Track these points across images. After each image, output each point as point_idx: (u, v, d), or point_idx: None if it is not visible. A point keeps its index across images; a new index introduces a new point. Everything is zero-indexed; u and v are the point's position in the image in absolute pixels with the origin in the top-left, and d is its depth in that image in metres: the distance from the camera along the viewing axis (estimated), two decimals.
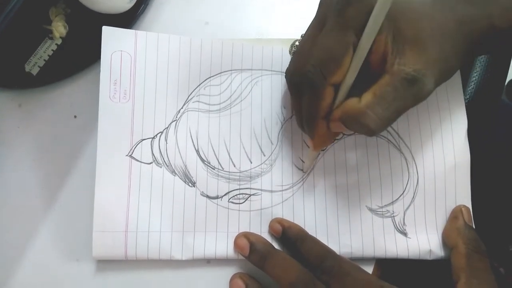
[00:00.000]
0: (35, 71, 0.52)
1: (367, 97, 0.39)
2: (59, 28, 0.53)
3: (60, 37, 0.53)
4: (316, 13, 0.43)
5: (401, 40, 0.39)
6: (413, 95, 0.39)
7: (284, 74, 0.46)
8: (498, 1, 0.41)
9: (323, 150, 0.49)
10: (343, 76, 0.40)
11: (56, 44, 0.53)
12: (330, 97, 0.41)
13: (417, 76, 0.38)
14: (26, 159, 0.51)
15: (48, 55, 0.52)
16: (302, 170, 0.49)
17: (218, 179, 0.48)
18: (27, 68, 0.52)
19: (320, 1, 0.43)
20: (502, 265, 0.47)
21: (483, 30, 0.41)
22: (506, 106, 0.49)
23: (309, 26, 0.43)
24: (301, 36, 0.44)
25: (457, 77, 0.50)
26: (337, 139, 0.49)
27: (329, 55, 0.39)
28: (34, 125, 0.51)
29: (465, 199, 0.49)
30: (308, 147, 0.48)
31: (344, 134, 0.50)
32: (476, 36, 0.41)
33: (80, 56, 0.52)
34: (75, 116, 0.52)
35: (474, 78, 0.53)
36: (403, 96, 0.39)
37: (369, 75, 0.41)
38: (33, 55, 0.52)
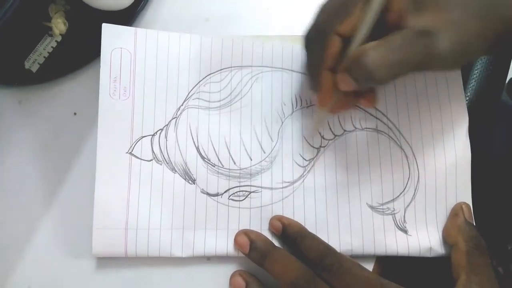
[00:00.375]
0: (34, 68, 0.52)
1: (373, 42, 0.39)
2: (59, 25, 0.53)
3: (60, 34, 0.53)
4: None
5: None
6: (423, 47, 0.38)
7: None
8: None
9: (322, 147, 0.49)
10: (351, 26, 0.40)
11: (56, 41, 0.53)
12: (336, 46, 0.41)
13: (430, 29, 0.37)
14: (25, 156, 0.50)
15: (48, 52, 0.52)
16: (303, 158, 0.49)
17: (218, 176, 0.48)
18: (27, 65, 0.52)
19: None
20: (500, 264, 0.47)
21: (499, 31, 0.40)
22: (506, 104, 0.49)
23: None
24: None
25: (457, 74, 0.50)
26: (338, 135, 0.49)
27: (339, 3, 0.39)
28: (33, 122, 0.51)
29: (466, 197, 0.48)
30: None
31: (344, 129, 0.49)
32: (500, 21, 0.39)
33: (80, 53, 0.52)
34: (74, 113, 0.52)
35: (475, 76, 0.52)
36: (412, 46, 0.38)
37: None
38: (32, 52, 0.52)
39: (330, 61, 0.42)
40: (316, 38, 0.41)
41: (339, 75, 0.41)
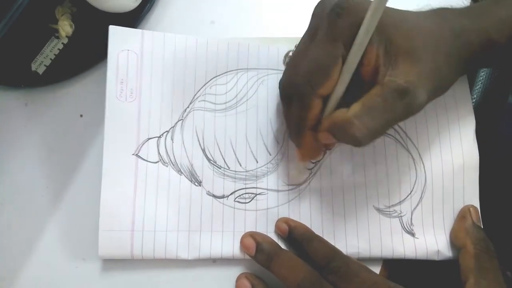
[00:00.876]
0: (41, 70, 0.52)
1: (355, 107, 0.39)
2: (65, 27, 0.53)
3: (66, 36, 0.53)
4: (309, 25, 0.43)
5: (394, 52, 0.39)
6: (403, 107, 0.39)
7: (278, 87, 0.46)
8: (494, 14, 0.42)
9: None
10: (331, 88, 0.40)
11: (62, 43, 0.53)
12: (318, 108, 0.41)
13: (409, 87, 0.38)
14: (32, 158, 0.51)
15: (54, 54, 0.53)
16: (309, 161, 0.49)
17: (224, 178, 0.48)
18: (34, 67, 0.52)
19: (313, 13, 0.43)
20: (508, 268, 0.46)
21: (480, 43, 0.41)
22: None
23: (302, 37, 0.43)
24: (295, 46, 0.44)
25: (463, 77, 0.50)
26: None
27: (317, 66, 0.39)
28: (40, 124, 0.52)
29: (473, 199, 0.48)
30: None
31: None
32: (472, 49, 0.41)
33: (86, 55, 0.52)
34: (81, 115, 0.52)
35: (481, 78, 0.52)
36: (393, 108, 0.39)
37: (361, 88, 0.40)
38: (39, 54, 0.52)
39: (312, 122, 0.42)
40: (296, 100, 0.42)
41: (322, 134, 0.42)
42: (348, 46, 0.38)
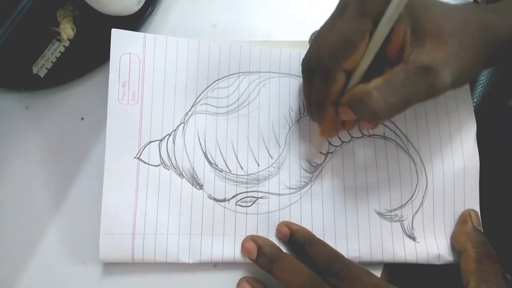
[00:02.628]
0: (42, 73, 0.52)
1: (376, 81, 0.39)
2: (67, 30, 0.53)
3: (68, 39, 0.53)
4: (338, 3, 0.42)
5: (421, 32, 0.39)
6: (426, 85, 0.39)
7: (300, 63, 0.45)
8: None
9: (330, 153, 0.49)
10: (356, 62, 0.40)
11: (64, 46, 0.53)
12: (341, 82, 0.41)
13: (433, 66, 0.38)
14: (33, 161, 0.51)
15: (56, 57, 0.53)
16: (311, 164, 0.49)
17: (225, 182, 0.48)
18: (35, 70, 0.52)
19: None
20: (509, 271, 0.46)
21: (507, 39, 0.41)
22: None
23: (330, 15, 0.43)
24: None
25: None
26: (346, 142, 0.49)
27: (344, 40, 0.39)
28: (41, 127, 0.52)
29: (474, 203, 0.48)
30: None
31: (352, 136, 0.49)
32: (498, 44, 0.41)
33: (88, 58, 0.52)
34: (82, 118, 0.52)
35: (481, 82, 0.52)
36: (415, 85, 0.39)
37: (384, 67, 0.41)
38: (40, 57, 0.52)
39: (334, 96, 0.42)
40: (320, 74, 0.41)
41: (342, 109, 0.42)
42: (377, 23, 0.38)
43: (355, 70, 0.40)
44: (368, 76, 0.40)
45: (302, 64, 0.44)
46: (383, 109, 0.39)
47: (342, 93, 0.42)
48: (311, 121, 0.49)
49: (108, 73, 0.47)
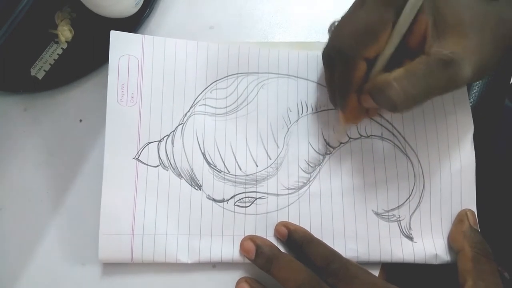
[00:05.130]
0: (40, 75, 0.52)
1: (397, 71, 0.40)
2: (65, 33, 0.53)
3: (66, 41, 0.53)
4: None
5: (442, 25, 0.39)
6: (446, 77, 0.39)
7: (321, 53, 0.46)
8: None
9: (328, 154, 0.49)
10: (377, 51, 0.41)
11: (62, 48, 0.53)
12: (363, 70, 0.42)
13: (454, 58, 0.38)
14: (32, 162, 0.51)
15: (54, 59, 0.53)
16: (309, 165, 0.49)
17: (224, 182, 0.48)
18: (33, 72, 0.52)
19: None
20: (506, 269, 0.47)
21: (509, 45, 0.41)
22: (510, 109, 0.50)
23: (351, 6, 0.43)
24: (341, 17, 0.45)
25: None
26: (343, 143, 0.49)
27: (366, 29, 0.40)
28: (39, 129, 0.52)
29: (471, 203, 0.48)
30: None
31: (349, 137, 0.50)
32: None
33: (85, 60, 0.52)
34: (80, 120, 0.52)
35: (477, 82, 0.53)
36: (436, 77, 0.39)
37: (405, 58, 0.41)
38: (38, 59, 0.53)
39: (357, 84, 0.43)
40: (342, 62, 0.42)
41: (364, 96, 0.43)
42: (399, 13, 0.39)
43: (377, 59, 0.41)
44: (390, 66, 0.41)
45: (323, 54, 0.45)
46: (402, 100, 0.39)
47: (364, 82, 0.42)
48: (309, 121, 0.50)
49: (106, 75, 0.48)
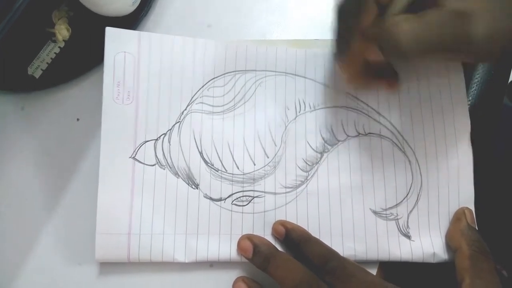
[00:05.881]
0: (37, 74, 0.52)
1: (407, 15, 0.39)
2: (62, 31, 0.53)
3: (63, 40, 0.53)
4: None
5: None
6: (458, 29, 0.37)
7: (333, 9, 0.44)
8: None
9: (326, 152, 0.49)
10: None
11: (59, 47, 0.53)
12: (372, 13, 0.41)
13: (467, 12, 0.37)
14: (28, 162, 0.51)
15: (51, 58, 0.53)
16: (306, 163, 0.49)
17: (221, 181, 0.48)
18: (30, 71, 0.52)
19: None
20: (505, 267, 0.46)
21: None
22: (508, 108, 0.49)
23: None
24: None
25: (460, 80, 0.50)
26: (341, 141, 0.49)
27: None
28: (36, 128, 0.52)
29: (468, 202, 0.48)
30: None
31: (347, 135, 0.49)
32: None
33: (83, 59, 0.52)
34: (77, 119, 0.52)
35: (476, 80, 0.53)
36: (447, 26, 0.38)
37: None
38: (36, 58, 0.52)
39: (364, 25, 0.41)
40: (353, 3, 0.41)
41: (369, 44, 0.42)
42: None
43: (389, 6, 0.40)
44: None
45: (334, 5, 0.43)
46: (407, 40, 0.38)
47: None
48: (307, 120, 0.50)
49: (103, 73, 0.47)
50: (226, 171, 0.48)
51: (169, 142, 0.48)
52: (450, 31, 0.38)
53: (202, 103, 0.49)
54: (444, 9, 0.38)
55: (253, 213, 0.47)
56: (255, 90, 0.50)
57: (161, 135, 0.48)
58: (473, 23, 0.37)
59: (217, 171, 0.48)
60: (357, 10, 0.41)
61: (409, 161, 0.49)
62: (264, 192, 0.48)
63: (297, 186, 0.48)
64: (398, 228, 0.48)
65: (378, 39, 0.40)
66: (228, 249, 0.46)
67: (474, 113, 0.50)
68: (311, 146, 0.49)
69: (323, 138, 0.49)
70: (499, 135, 0.51)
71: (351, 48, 0.43)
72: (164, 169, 0.47)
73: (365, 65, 0.45)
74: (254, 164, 0.48)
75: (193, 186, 0.47)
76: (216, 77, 0.49)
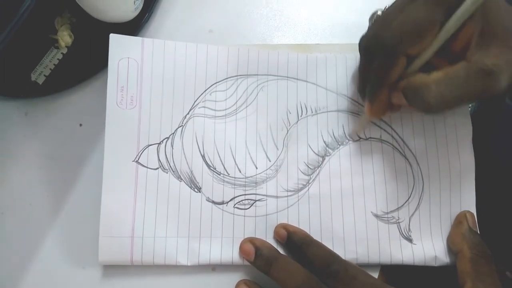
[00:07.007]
0: (41, 80, 0.52)
1: (437, 74, 0.40)
2: (65, 38, 0.53)
3: (66, 46, 0.54)
4: None
5: (489, 35, 0.39)
6: (483, 86, 0.39)
7: (358, 41, 0.45)
8: None
9: (328, 156, 0.49)
10: (421, 50, 0.41)
11: (62, 53, 0.53)
12: (402, 67, 0.42)
13: (495, 70, 0.38)
14: (32, 166, 0.51)
15: (54, 64, 0.53)
16: (308, 167, 0.49)
17: (223, 184, 0.48)
18: (33, 77, 0.52)
19: None
20: (508, 269, 0.46)
21: None
22: (509, 110, 0.49)
23: None
24: (385, 8, 0.44)
25: None
26: (343, 145, 0.50)
27: (414, 25, 0.40)
28: (40, 134, 0.52)
29: (470, 205, 0.49)
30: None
31: (349, 139, 0.50)
32: None
33: (85, 65, 0.53)
34: (80, 124, 0.52)
35: None
36: (473, 85, 0.39)
37: (444, 60, 0.42)
38: (39, 64, 0.53)
39: (393, 79, 0.43)
40: (382, 55, 0.42)
41: (396, 94, 0.43)
42: (449, 15, 0.39)
43: (417, 58, 0.41)
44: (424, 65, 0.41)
45: (361, 42, 0.45)
46: (437, 103, 0.39)
47: (399, 78, 0.43)
48: (308, 123, 0.50)
49: (106, 79, 0.48)
50: (229, 174, 0.48)
51: (172, 146, 0.48)
52: (477, 89, 0.39)
53: (204, 107, 0.49)
54: (472, 66, 0.39)
55: (255, 216, 0.48)
56: (257, 94, 0.50)
57: (164, 139, 0.48)
58: (499, 80, 0.38)
59: (220, 175, 0.48)
60: (388, 64, 0.42)
61: (410, 165, 0.49)
62: (266, 195, 0.48)
63: (298, 190, 0.48)
64: (399, 232, 0.48)
65: (406, 95, 0.41)
66: (230, 252, 0.47)
67: (475, 114, 0.50)
68: (312, 150, 0.49)
69: (324, 142, 0.49)
70: (500, 136, 0.51)
71: (379, 96, 0.44)
72: (167, 172, 0.47)
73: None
74: (256, 168, 0.48)
75: (196, 190, 0.48)
76: (218, 81, 0.50)
